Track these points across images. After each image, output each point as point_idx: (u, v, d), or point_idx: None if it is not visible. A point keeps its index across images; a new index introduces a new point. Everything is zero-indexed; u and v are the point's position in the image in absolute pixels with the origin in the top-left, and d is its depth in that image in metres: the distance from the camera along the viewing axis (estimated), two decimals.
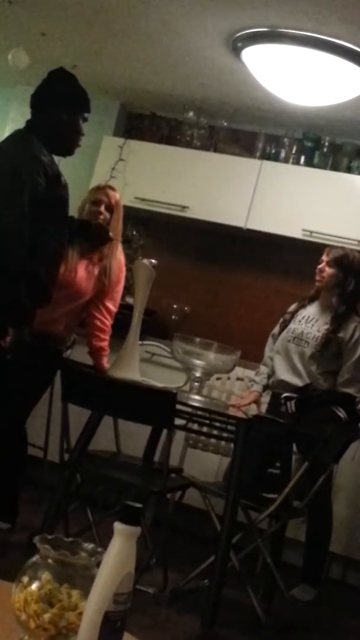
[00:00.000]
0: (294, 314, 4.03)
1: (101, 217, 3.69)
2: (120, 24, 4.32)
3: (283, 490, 3.29)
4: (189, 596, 3.45)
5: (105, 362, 3.74)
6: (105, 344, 3.75)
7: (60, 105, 3.20)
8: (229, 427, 3.40)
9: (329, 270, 3.90)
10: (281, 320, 4.09)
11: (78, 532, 3.41)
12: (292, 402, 3.70)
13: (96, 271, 3.65)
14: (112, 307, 3.76)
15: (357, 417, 3.68)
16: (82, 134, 3.29)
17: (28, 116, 3.28)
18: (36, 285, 3.09)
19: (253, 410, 3.90)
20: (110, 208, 3.73)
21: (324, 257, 3.94)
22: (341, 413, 3.67)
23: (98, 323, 3.73)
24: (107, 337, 3.76)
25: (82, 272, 3.61)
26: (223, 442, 4.16)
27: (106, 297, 3.72)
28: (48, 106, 3.21)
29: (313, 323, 3.93)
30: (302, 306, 4.04)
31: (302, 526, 3.95)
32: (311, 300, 4.03)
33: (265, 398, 4.07)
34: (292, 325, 3.98)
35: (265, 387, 4.04)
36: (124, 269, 3.78)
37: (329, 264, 3.91)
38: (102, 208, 3.71)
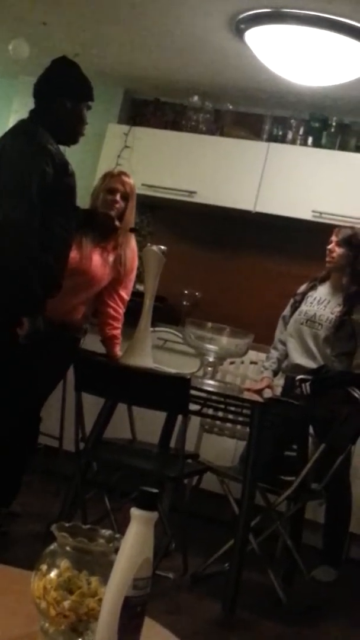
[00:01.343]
0: (304, 295, 4.02)
1: (117, 205, 3.66)
2: (121, 10, 4.30)
3: (300, 473, 3.29)
4: (209, 580, 3.45)
5: (118, 350, 3.74)
6: (118, 332, 3.75)
7: (64, 94, 3.19)
8: (244, 411, 3.40)
9: (338, 250, 3.89)
10: (291, 301, 4.08)
11: (96, 520, 3.42)
12: (307, 384, 3.68)
13: (111, 259, 3.64)
14: (125, 295, 3.75)
15: None
16: (86, 122, 3.28)
17: (31, 106, 3.27)
18: (47, 274, 3.10)
19: (268, 393, 3.89)
20: (126, 196, 3.68)
21: (333, 238, 3.93)
22: (357, 393, 3.65)
23: (111, 311, 3.73)
24: (120, 326, 3.76)
25: (97, 260, 3.60)
26: (239, 426, 4.16)
27: (120, 285, 3.71)
28: (52, 95, 3.20)
29: (325, 305, 3.91)
30: (312, 287, 4.02)
31: (321, 508, 3.94)
32: (322, 281, 4.02)
33: (279, 381, 4.06)
34: (303, 307, 3.97)
35: (276, 372, 4.04)
36: (137, 257, 3.77)
37: (338, 243, 3.90)
38: (118, 197, 3.67)
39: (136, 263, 3.77)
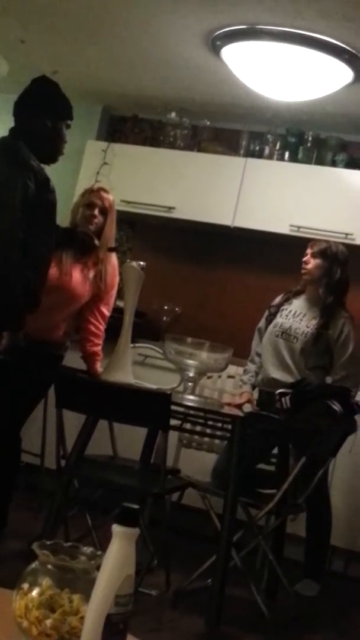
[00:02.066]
0: (279, 307, 4.04)
1: (95, 220, 3.68)
2: (98, 28, 4.31)
3: (281, 486, 3.29)
4: (192, 596, 3.44)
5: (99, 367, 3.73)
6: (98, 348, 3.74)
7: (44, 113, 3.20)
8: (224, 425, 3.40)
9: (314, 262, 3.92)
10: (266, 313, 4.10)
11: (78, 538, 3.39)
12: (287, 397, 3.68)
13: (91, 275, 3.63)
14: (106, 312, 3.75)
15: (353, 410, 3.68)
16: (66, 141, 3.29)
17: (11, 124, 3.27)
18: (28, 292, 3.09)
19: (248, 408, 3.90)
20: (104, 211, 3.71)
21: (309, 250, 3.97)
22: (336, 406, 3.65)
23: (92, 328, 3.72)
24: (101, 342, 3.75)
25: (78, 276, 3.59)
26: (217, 441, 4.15)
27: (101, 302, 3.70)
28: (32, 113, 3.21)
29: (301, 318, 3.93)
30: (286, 299, 4.04)
31: (301, 521, 3.92)
32: (296, 294, 4.04)
33: (254, 396, 4.06)
34: (278, 320, 3.98)
35: (255, 386, 4.05)
36: (117, 273, 3.77)
37: (313, 255, 3.93)
38: (96, 211, 3.69)
39: (117, 279, 3.76)
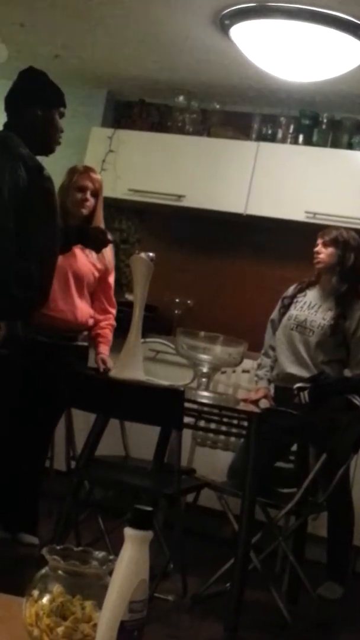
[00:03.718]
0: (292, 298, 4.02)
1: (87, 203, 3.73)
2: (100, 9, 4.24)
3: (301, 485, 3.26)
4: (210, 601, 3.42)
5: (104, 349, 3.82)
6: (104, 331, 3.85)
7: (34, 102, 3.20)
8: (240, 422, 3.37)
9: (326, 251, 3.91)
10: (279, 304, 4.08)
11: (90, 542, 3.37)
12: (305, 392, 3.63)
13: (93, 255, 3.74)
14: (111, 292, 3.89)
15: None
16: (61, 130, 3.27)
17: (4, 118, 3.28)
18: (29, 283, 3.07)
19: (265, 403, 3.86)
20: (96, 193, 3.78)
21: (319, 240, 3.96)
22: (357, 401, 3.61)
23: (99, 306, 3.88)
24: (107, 325, 3.87)
25: (81, 256, 3.71)
26: (232, 438, 4.13)
27: (105, 284, 3.85)
28: (22, 104, 3.22)
29: (316, 309, 3.90)
30: (300, 290, 4.03)
31: (323, 521, 3.86)
32: (310, 285, 4.02)
33: (271, 392, 4.04)
34: (293, 312, 3.95)
35: (271, 380, 4.02)
36: (113, 254, 3.92)
37: (324, 244, 3.93)
38: (89, 194, 3.75)
39: (113, 261, 3.92)
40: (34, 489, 3.68)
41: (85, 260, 3.72)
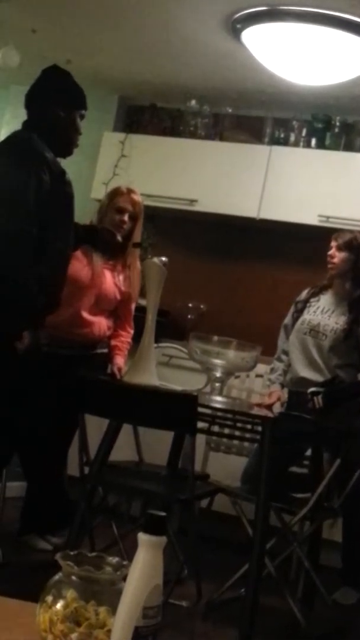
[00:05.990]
0: (306, 302, 4.00)
1: (124, 226, 3.69)
2: (112, 14, 4.25)
3: (316, 490, 3.22)
4: (224, 607, 3.39)
5: (120, 361, 3.78)
6: (119, 342, 3.82)
7: (56, 103, 3.14)
8: (254, 427, 3.33)
9: (340, 255, 3.89)
10: (292, 309, 4.07)
11: (104, 548, 3.34)
12: (319, 396, 3.60)
13: (120, 278, 3.73)
14: (130, 316, 3.87)
15: None
16: (80, 132, 3.23)
17: (24, 117, 3.20)
18: (42, 288, 3.03)
19: (278, 408, 3.86)
20: (134, 216, 3.72)
21: (333, 243, 3.94)
22: None
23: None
24: (125, 338, 3.85)
25: (109, 278, 3.69)
26: (246, 443, 4.11)
27: (129, 302, 3.81)
28: (44, 104, 3.14)
29: (330, 314, 3.89)
30: (313, 294, 4.01)
31: (338, 526, 3.86)
32: (323, 290, 4.00)
33: (284, 396, 4.02)
34: (306, 316, 3.94)
35: (284, 385, 4.00)
36: (140, 278, 3.85)
37: (339, 248, 3.91)
38: (126, 217, 3.70)
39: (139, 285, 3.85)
40: (61, 494, 3.72)
41: (112, 281, 3.68)
